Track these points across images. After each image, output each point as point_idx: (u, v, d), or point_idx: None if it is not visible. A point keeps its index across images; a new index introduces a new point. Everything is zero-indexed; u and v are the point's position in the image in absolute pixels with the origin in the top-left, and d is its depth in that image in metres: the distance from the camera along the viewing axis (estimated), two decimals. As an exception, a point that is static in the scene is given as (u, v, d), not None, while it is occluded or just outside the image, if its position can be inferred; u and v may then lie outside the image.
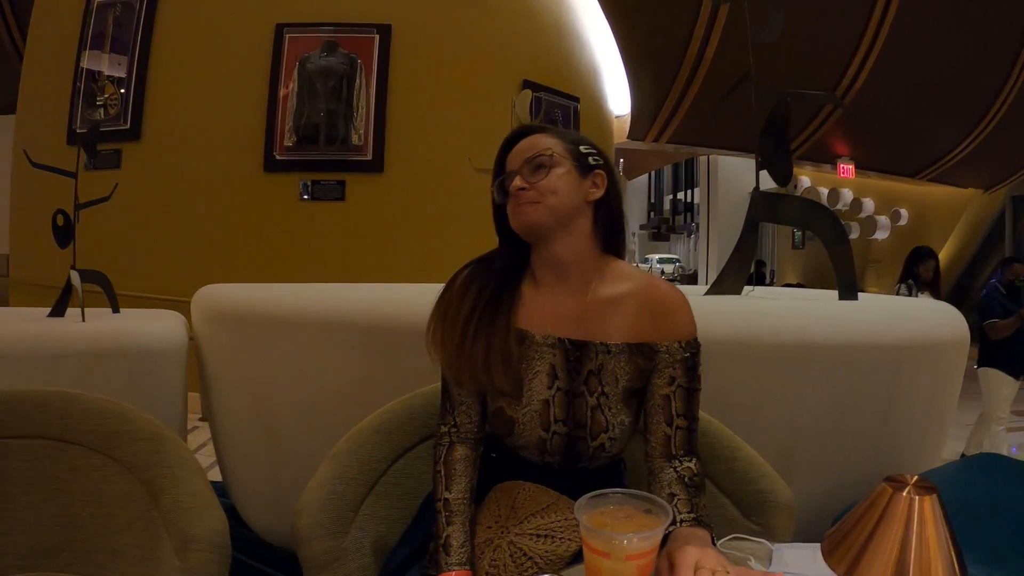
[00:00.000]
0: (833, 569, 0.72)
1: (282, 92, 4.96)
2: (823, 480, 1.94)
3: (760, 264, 11.62)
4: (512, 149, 1.22)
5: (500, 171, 1.24)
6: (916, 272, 5.00)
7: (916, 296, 4.79)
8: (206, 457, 2.78)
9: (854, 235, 10.99)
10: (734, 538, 1.14)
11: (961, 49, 7.77)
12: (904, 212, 11.36)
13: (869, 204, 11.31)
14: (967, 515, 1.62)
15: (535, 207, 1.15)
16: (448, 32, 5.31)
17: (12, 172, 5.43)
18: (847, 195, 11.18)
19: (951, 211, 11.38)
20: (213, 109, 4.98)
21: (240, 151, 4.96)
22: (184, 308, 2.47)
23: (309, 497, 1.31)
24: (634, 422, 1.21)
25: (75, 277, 2.40)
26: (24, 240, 5.34)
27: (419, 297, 1.53)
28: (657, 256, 21.82)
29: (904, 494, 0.69)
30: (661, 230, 21.22)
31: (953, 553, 0.68)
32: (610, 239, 1.25)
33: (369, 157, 5.03)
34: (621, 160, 10.15)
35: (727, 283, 2.46)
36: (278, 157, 4.96)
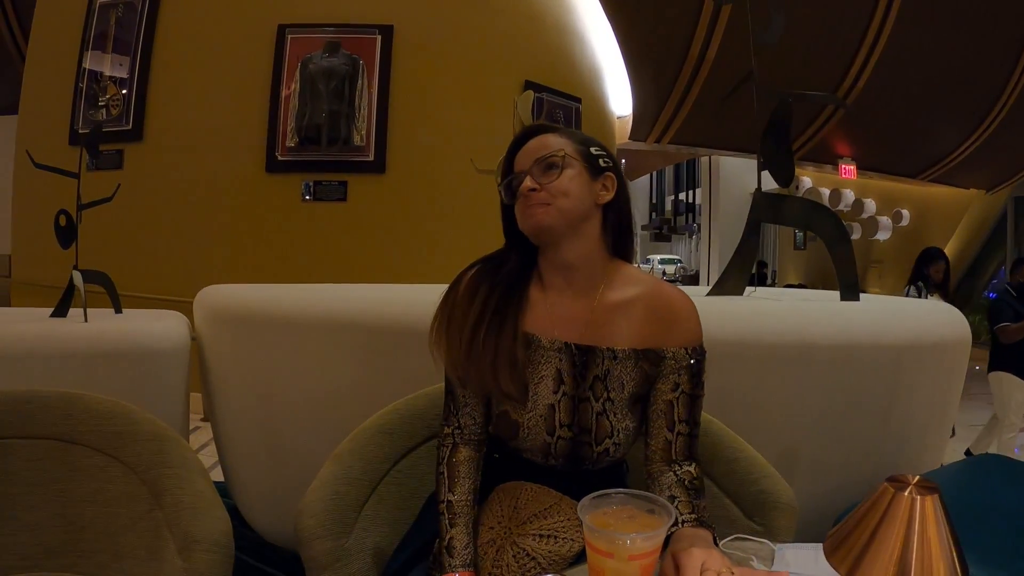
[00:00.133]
0: (835, 569, 0.72)
1: (284, 92, 4.97)
2: (824, 480, 1.94)
3: (762, 265, 11.62)
4: (521, 149, 1.20)
5: (508, 171, 1.22)
6: (926, 274, 4.91)
7: (926, 299, 4.72)
8: (208, 457, 2.78)
9: (856, 236, 10.98)
10: (736, 538, 1.14)
11: (963, 49, 7.76)
12: (906, 213, 11.35)
13: (871, 205, 11.30)
14: (969, 516, 1.62)
15: (546, 209, 1.14)
16: (450, 33, 5.31)
17: (14, 172, 5.44)
18: (849, 196, 11.17)
19: (953, 212, 11.37)
20: (215, 109, 4.99)
21: (242, 151, 4.97)
22: (186, 308, 2.47)
23: (312, 497, 1.31)
24: (639, 427, 1.20)
25: (77, 277, 2.40)
26: (26, 240, 5.34)
27: (421, 298, 1.54)
28: (659, 257, 21.83)
29: (906, 494, 0.69)
30: (663, 231, 21.22)
31: (955, 553, 0.68)
32: (619, 242, 1.24)
33: (371, 158, 5.03)
34: (623, 160, 10.15)
35: (729, 284, 2.46)
36: (280, 158, 4.96)
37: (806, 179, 11.12)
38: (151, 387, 2.20)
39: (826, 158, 9.70)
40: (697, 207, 16.42)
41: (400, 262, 5.03)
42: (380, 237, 5.08)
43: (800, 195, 10.01)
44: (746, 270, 2.49)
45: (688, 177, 19.23)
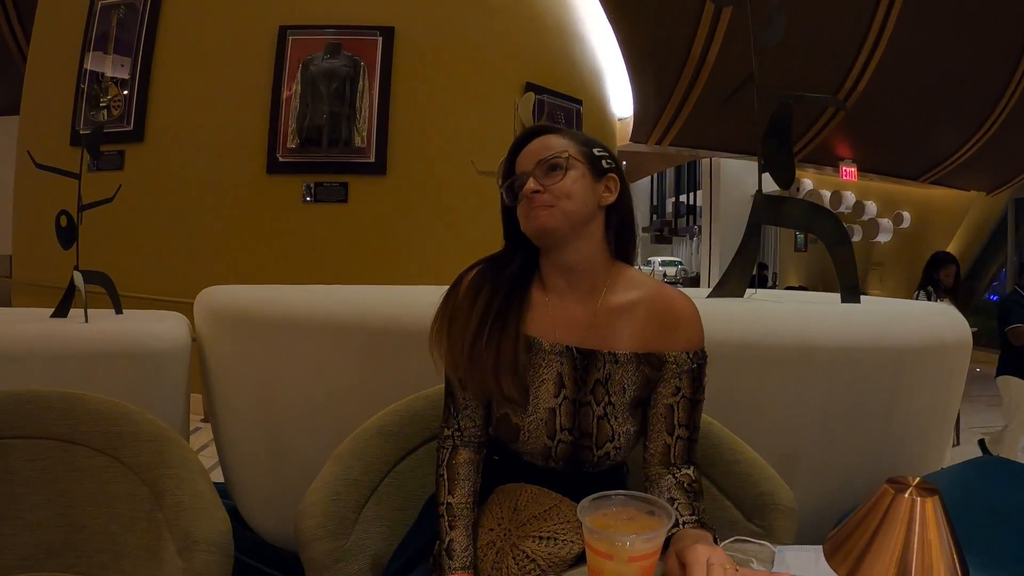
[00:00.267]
0: (835, 571, 0.72)
1: (285, 94, 4.97)
2: (824, 482, 1.93)
3: (762, 267, 11.62)
4: (523, 150, 1.19)
5: (510, 172, 1.21)
6: (935, 279, 4.87)
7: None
8: (208, 458, 2.77)
9: (856, 238, 10.97)
10: (736, 540, 1.14)
11: (964, 52, 7.76)
12: (907, 215, 11.34)
13: (872, 207, 11.29)
14: (969, 518, 1.61)
15: (549, 211, 1.13)
16: (451, 34, 5.31)
17: (15, 173, 5.44)
18: (850, 198, 11.16)
19: (954, 214, 11.36)
20: (216, 111, 4.99)
21: (243, 153, 4.97)
22: (187, 309, 2.47)
23: (312, 498, 1.31)
24: (640, 431, 1.20)
25: (78, 278, 2.40)
26: (27, 241, 5.35)
27: (422, 299, 1.53)
28: (659, 259, 21.83)
29: (906, 496, 0.69)
30: (663, 233, 21.21)
31: (955, 555, 0.68)
32: (621, 245, 1.23)
33: (372, 159, 5.03)
34: (624, 162, 10.15)
35: (730, 285, 2.46)
36: (281, 159, 4.96)
37: (807, 181, 11.12)
38: (151, 388, 2.20)
39: (827, 160, 9.70)
40: (698, 209, 16.42)
41: (401, 264, 5.03)
42: (381, 239, 5.08)
43: (801, 197, 10.00)
44: (747, 272, 2.49)
45: (689, 179, 19.23)
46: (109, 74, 5.09)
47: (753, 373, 1.85)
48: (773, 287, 11.35)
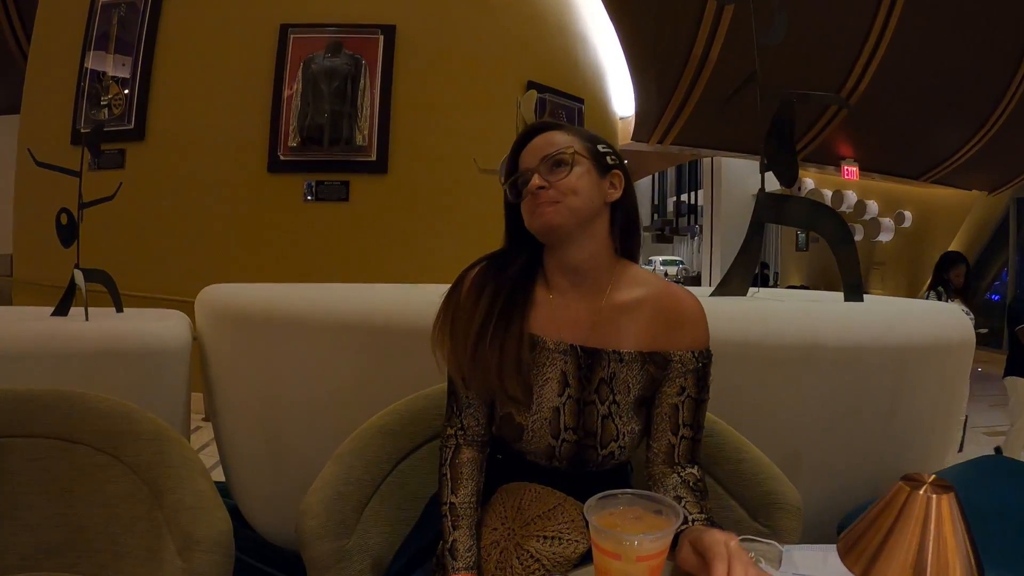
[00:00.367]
0: (850, 569, 0.71)
1: (286, 93, 4.97)
2: (828, 481, 1.93)
3: (763, 266, 11.61)
4: (527, 146, 1.18)
5: (513, 169, 1.20)
6: (946, 279, 4.80)
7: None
8: (209, 457, 2.77)
9: (858, 237, 10.95)
10: (743, 539, 1.13)
11: (965, 51, 7.75)
12: (908, 214, 11.32)
13: (873, 206, 11.28)
14: (973, 516, 1.61)
15: (555, 207, 1.11)
16: (452, 33, 5.31)
17: (16, 172, 5.43)
18: (851, 197, 11.15)
19: (955, 213, 11.34)
20: (217, 109, 4.98)
21: (244, 151, 4.96)
22: (188, 308, 2.47)
23: (313, 498, 1.30)
24: (644, 430, 1.19)
25: (79, 276, 2.40)
26: (28, 239, 5.34)
27: (423, 298, 1.53)
28: (660, 258, 21.82)
29: (921, 493, 0.68)
30: (664, 232, 21.21)
31: (971, 553, 0.67)
32: (626, 242, 1.22)
33: (373, 158, 5.02)
34: (625, 161, 10.14)
35: (732, 284, 2.45)
36: (282, 158, 4.96)
37: (808, 180, 11.11)
38: (152, 386, 2.20)
39: (828, 159, 9.69)
40: (699, 208, 16.41)
41: (402, 262, 5.02)
42: (382, 237, 5.07)
43: (802, 196, 9.98)
44: (750, 271, 2.48)
45: (690, 178, 19.22)
46: (110, 73, 5.09)
47: (756, 372, 1.85)
48: (775, 287, 11.35)
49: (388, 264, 4.99)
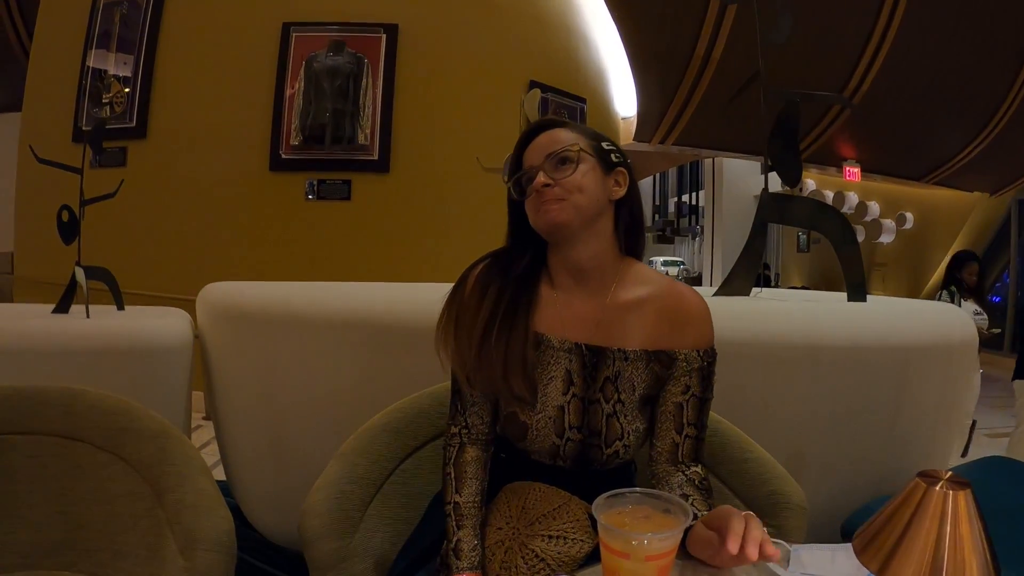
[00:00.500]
0: (866, 566, 0.70)
1: (288, 91, 4.96)
2: (832, 481, 1.92)
3: (765, 267, 11.60)
4: (531, 144, 1.17)
5: (517, 167, 1.19)
6: (958, 278, 4.74)
7: (959, 304, 4.50)
8: (209, 456, 2.75)
9: (859, 239, 10.92)
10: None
11: (967, 53, 7.74)
12: (910, 216, 11.31)
13: (875, 207, 11.27)
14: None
15: (561, 205, 1.11)
16: (455, 32, 5.30)
17: (18, 170, 5.43)
18: (853, 198, 11.15)
19: (956, 215, 11.32)
20: (219, 108, 4.98)
21: (246, 150, 4.96)
22: (189, 306, 2.46)
23: (316, 497, 1.29)
24: (649, 429, 1.19)
25: (80, 274, 2.39)
26: (29, 237, 5.34)
27: (425, 296, 1.52)
28: (662, 259, 21.79)
29: (938, 489, 0.68)
30: (666, 232, 21.15)
31: (988, 551, 0.66)
32: (630, 240, 1.22)
33: (375, 157, 5.01)
34: (629, 161, 10.13)
35: (736, 284, 2.45)
36: (284, 156, 4.95)
37: (810, 181, 11.10)
38: (153, 384, 2.19)
39: (830, 160, 9.68)
40: (700, 209, 16.39)
41: (404, 261, 5.02)
42: (384, 236, 5.07)
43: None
44: (753, 270, 2.48)
45: (691, 179, 19.18)
46: (112, 71, 5.08)
47: (760, 372, 1.84)
48: (776, 287, 11.34)
49: (390, 263, 4.99)
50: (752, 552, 0.83)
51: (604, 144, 1.18)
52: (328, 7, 5.07)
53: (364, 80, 5.01)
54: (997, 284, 11.65)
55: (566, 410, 1.15)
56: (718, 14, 6.91)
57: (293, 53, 4.97)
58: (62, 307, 2.48)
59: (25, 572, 1.34)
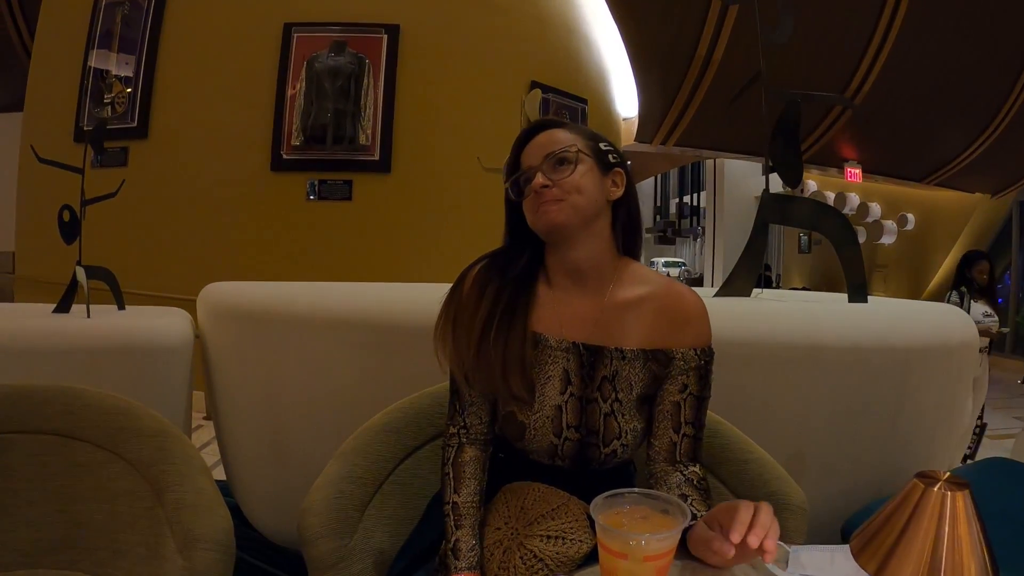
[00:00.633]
0: (863, 567, 0.70)
1: (290, 91, 4.96)
2: (833, 482, 1.92)
3: (765, 268, 11.59)
4: (529, 144, 1.17)
5: (515, 167, 1.19)
6: (969, 277, 4.68)
7: (969, 305, 4.46)
8: (210, 456, 2.76)
9: (860, 240, 10.91)
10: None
11: (970, 54, 7.73)
12: (911, 217, 11.30)
13: (876, 209, 11.26)
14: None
15: (559, 206, 1.11)
16: (456, 32, 5.30)
17: (19, 170, 5.43)
18: (854, 199, 11.14)
19: (958, 216, 11.31)
20: (220, 108, 4.98)
21: (247, 150, 4.96)
22: (190, 306, 2.46)
23: (315, 496, 1.29)
24: (647, 428, 1.19)
25: (81, 273, 2.39)
26: (30, 236, 5.34)
27: (426, 296, 1.52)
28: (663, 260, 21.79)
29: (936, 490, 0.67)
30: (667, 233, 21.15)
31: (986, 552, 0.66)
32: (628, 240, 1.22)
33: (376, 157, 5.01)
34: (628, 162, 10.13)
35: (736, 284, 2.45)
36: (285, 156, 4.95)
37: (811, 182, 11.09)
38: (154, 384, 2.19)
39: (832, 161, 9.67)
40: (701, 210, 16.38)
41: (405, 261, 5.02)
42: (385, 236, 5.07)
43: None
44: (754, 271, 2.48)
45: (693, 180, 19.17)
46: (113, 71, 5.09)
47: (761, 373, 1.84)
48: (776, 288, 11.33)
49: (391, 263, 4.99)
50: (753, 540, 0.83)
51: (602, 145, 1.18)
52: (329, 8, 5.07)
53: (365, 80, 5.01)
54: (999, 286, 11.64)
55: (564, 409, 1.15)
56: (719, 15, 6.91)
57: (294, 53, 4.97)
58: (63, 307, 2.48)
59: (25, 571, 1.35)
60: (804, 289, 11.25)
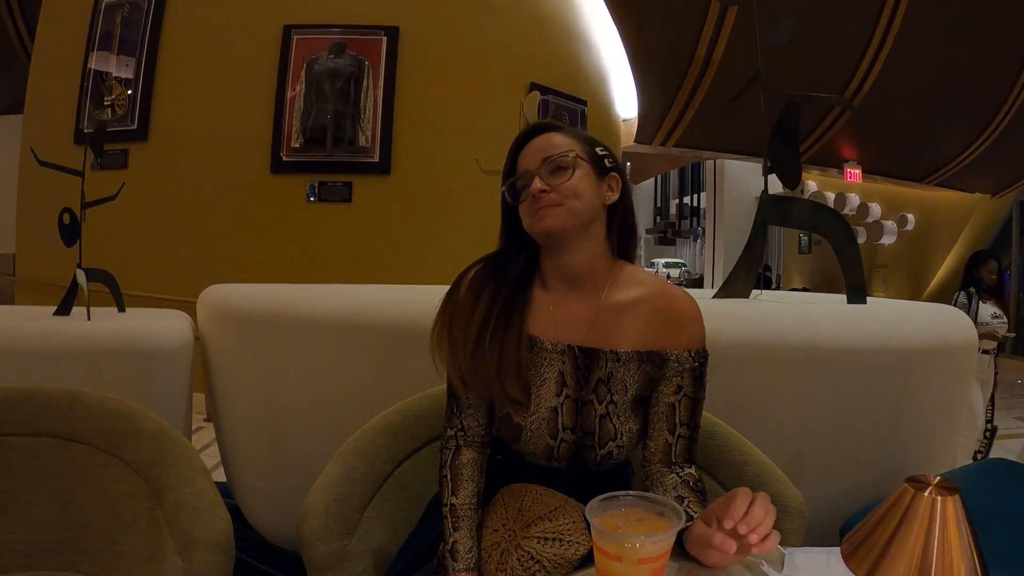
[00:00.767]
0: (854, 572, 0.70)
1: (289, 93, 4.96)
2: (832, 484, 1.92)
3: (766, 268, 11.59)
4: (525, 147, 1.18)
5: (511, 171, 1.19)
6: (977, 278, 4.63)
7: (977, 306, 4.43)
8: (210, 458, 2.76)
9: (860, 240, 10.92)
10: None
11: (969, 54, 7.74)
12: (911, 217, 11.29)
13: (876, 209, 11.25)
14: (978, 520, 1.59)
15: (556, 210, 1.11)
16: (456, 34, 5.31)
17: (19, 172, 5.44)
18: (854, 200, 11.13)
19: (958, 216, 11.31)
20: (220, 110, 4.99)
21: (247, 152, 4.96)
22: (190, 308, 2.47)
23: (315, 498, 1.30)
24: (642, 429, 1.19)
25: (81, 276, 2.40)
26: (31, 239, 5.34)
27: (426, 298, 1.52)
28: (663, 260, 21.78)
29: (926, 494, 0.68)
30: (667, 234, 21.14)
31: (976, 556, 0.66)
32: (622, 244, 1.23)
33: (376, 159, 5.02)
34: (628, 164, 10.14)
35: (736, 286, 2.45)
36: (285, 158, 4.96)
37: (811, 183, 11.09)
38: (154, 386, 2.20)
39: (831, 162, 9.67)
40: (702, 211, 16.37)
41: (405, 263, 5.02)
42: (385, 238, 5.07)
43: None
44: (753, 272, 2.48)
45: (693, 181, 19.16)
46: (113, 73, 5.09)
47: (760, 374, 1.84)
48: (777, 289, 11.33)
49: (391, 265, 4.99)
50: (742, 528, 0.85)
51: (598, 149, 1.19)
52: (329, 9, 5.08)
53: (365, 82, 5.02)
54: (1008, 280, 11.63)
55: (559, 411, 1.15)
56: (719, 15, 6.91)
57: (294, 55, 4.98)
58: (63, 309, 2.48)
59: (25, 572, 1.35)
60: (804, 290, 11.25)
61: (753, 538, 0.85)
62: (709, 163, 12.21)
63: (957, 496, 0.68)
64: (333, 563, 1.25)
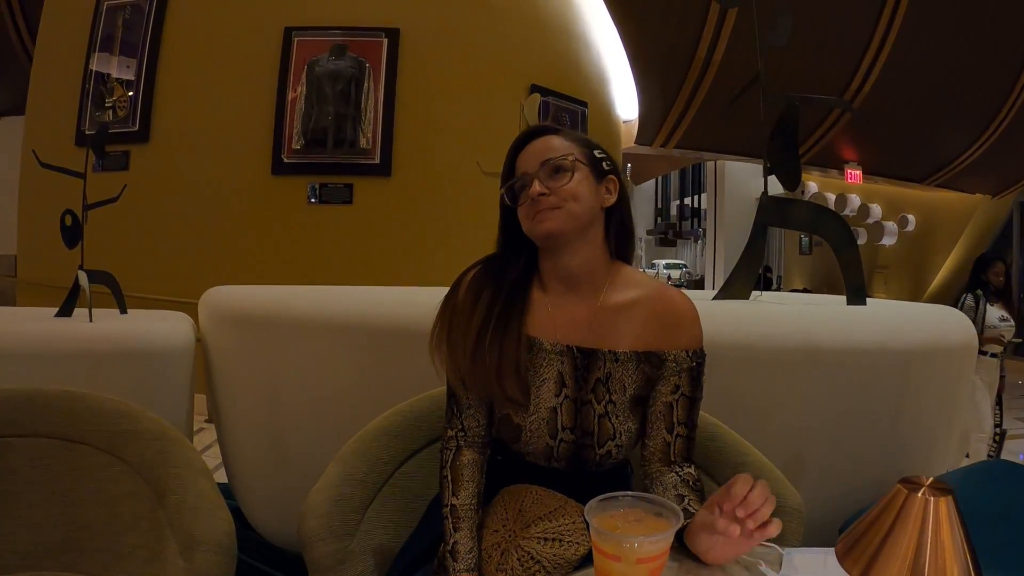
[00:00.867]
0: (848, 572, 0.71)
1: (290, 95, 4.97)
2: (831, 485, 1.92)
3: (766, 269, 11.58)
4: (524, 150, 1.19)
5: (510, 173, 1.20)
6: (984, 280, 4.58)
7: (985, 309, 4.40)
8: (212, 459, 2.77)
9: (861, 241, 10.92)
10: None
11: (970, 54, 7.74)
12: (911, 218, 11.30)
13: (876, 210, 11.26)
14: (977, 520, 1.59)
15: (555, 213, 1.12)
16: (456, 36, 5.31)
17: (21, 174, 5.45)
18: (854, 200, 11.14)
19: (958, 217, 11.32)
20: (221, 112, 4.99)
21: (248, 154, 4.97)
22: (191, 309, 2.47)
23: (316, 499, 1.30)
24: (641, 429, 1.20)
25: (83, 278, 2.40)
26: (32, 241, 5.35)
27: (426, 300, 1.53)
28: (664, 261, 21.80)
29: (920, 495, 0.68)
30: (668, 235, 21.15)
31: (969, 557, 0.67)
32: (620, 246, 1.23)
33: (377, 161, 5.03)
34: (628, 165, 10.14)
35: (735, 287, 2.45)
36: (286, 160, 4.96)
37: (812, 184, 11.10)
38: (155, 388, 2.20)
39: (832, 163, 9.68)
40: (702, 212, 16.38)
41: (406, 264, 5.03)
42: (386, 240, 5.08)
43: (806, 200, 9.96)
44: (752, 274, 2.48)
45: (694, 182, 19.17)
46: (115, 75, 5.10)
47: (759, 375, 1.84)
48: (777, 290, 11.33)
49: (392, 266, 5.00)
50: (740, 512, 0.85)
51: (596, 152, 1.20)
52: (330, 11, 5.08)
53: (366, 84, 5.03)
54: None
55: (558, 411, 1.16)
56: (719, 16, 6.92)
57: (295, 57, 4.99)
58: (65, 311, 2.49)
59: (26, 573, 1.35)
60: (805, 290, 11.25)
61: (750, 523, 0.86)
62: (709, 164, 12.22)
63: (950, 497, 0.68)
64: (334, 564, 1.25)
